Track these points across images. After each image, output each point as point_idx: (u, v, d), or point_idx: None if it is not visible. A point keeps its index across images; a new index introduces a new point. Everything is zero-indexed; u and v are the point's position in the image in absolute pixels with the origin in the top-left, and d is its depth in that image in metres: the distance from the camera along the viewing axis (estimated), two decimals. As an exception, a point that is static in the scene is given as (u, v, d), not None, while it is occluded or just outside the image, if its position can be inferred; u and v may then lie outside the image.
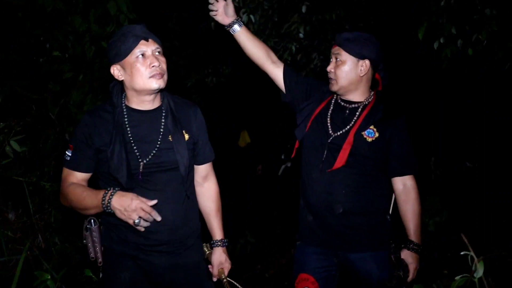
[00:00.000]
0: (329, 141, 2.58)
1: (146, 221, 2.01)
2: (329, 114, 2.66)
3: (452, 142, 6.57)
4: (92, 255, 2.28)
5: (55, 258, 2.63)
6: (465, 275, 1.45)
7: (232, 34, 2.73)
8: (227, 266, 2.48)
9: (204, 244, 2.54)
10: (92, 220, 2.28)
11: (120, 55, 2.17)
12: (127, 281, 2.25)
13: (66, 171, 2.28)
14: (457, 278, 1.46)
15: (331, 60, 2.63)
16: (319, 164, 2.58)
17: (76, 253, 3.54)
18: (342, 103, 2.67)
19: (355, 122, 2.58)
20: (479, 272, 1.44)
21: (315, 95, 2.75)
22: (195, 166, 2.47)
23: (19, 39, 4.36)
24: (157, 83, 2.18)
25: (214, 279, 2.50)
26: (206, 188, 2.53)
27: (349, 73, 2.58)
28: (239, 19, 2.69)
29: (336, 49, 2.60)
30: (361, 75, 2.60)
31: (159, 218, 2.03)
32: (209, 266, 2.51)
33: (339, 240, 2.59)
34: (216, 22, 4.82)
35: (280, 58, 5.44)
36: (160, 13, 7.62)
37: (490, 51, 4.16)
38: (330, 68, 2.61)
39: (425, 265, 4.35)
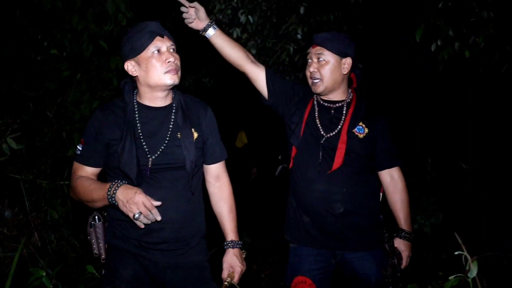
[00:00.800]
0: (322, 142, 2.59)
1: (146, 218, 1.98)
2: (316, 115, 2.66)
3: (447, 144, 6.59)
4: (95, 251, 2.29)
5: (51, 256, 2.62)
6: (459, 275, 1.46)
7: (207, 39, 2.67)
8: (237, 270, 2.41)
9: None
10: (96, 217, 2.29)
11: (135, 51, 2.18)
12: (128, 278, 2.24)
13: (76, 165, 2.29)
14: (451, 278, 1.47)
15: (310, 61, 2.63)
16: (316, 165, 2.58)
17: (72, 251, 3.53)
18: (326, 104, 2.68)
19: (344, 121, 2.60)
20: (473, 272, 1.44)
21: (298, 96, 2.73)
22: (206, 166, 2.46)
23: (17, 37, 4.36)
24: (172, 79, 2.19)
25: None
26: (218, 188, 2.50)
27: (333, 72, 2.59)
28: (212, 22, 2.64)
29: (317, 49, 2.59)
30: (345, 73, 2.63)
31: (159, 218, 2.01)
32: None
33: (338, 240, 2.59)
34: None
35: (278, 59, 5.48)
36: (158, 13, 7.62)
37: (487, 54, 4.17)
38: (313, 68, 2.59)
39: (421, 266, 4.37)
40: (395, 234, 2.67)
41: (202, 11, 2.61)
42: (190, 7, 2.61)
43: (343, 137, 2.54)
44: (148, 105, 2.28)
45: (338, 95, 2.67)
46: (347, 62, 2.62)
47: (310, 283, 2.58)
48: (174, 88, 2.32)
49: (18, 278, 2.04)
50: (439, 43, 4.12)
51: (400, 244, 2.65)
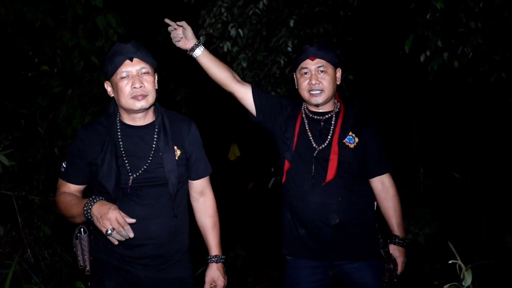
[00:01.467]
0: (314, 154, 2.59)
1: (119, 234, 1.98)
2: (307, 128, 2.67)
3: (440, 153, 6.62)
4: (81, 263, 2.29)
5: (44, 272, 2.61)
6: (454, 284, 1.46)
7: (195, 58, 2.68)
8: (219, 284, 2.43)
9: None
10: (82, 229, 2.29)
11: (108, 73, 2.22)
12: None
13: (60, 181, 2.32)
14: (445, 286, 1.47)
15: (308, 74, 2.63)
16: (310, 178, 2.59)
17: (65, 267, 3.51)
18: (315, 116, 2.70)
19: (333, 132, 2.62)
20: (467, 280, 1.45)
21: (287, 110, 2.75)
22: (191, 182, 2.46)
23: (7, 54, 4.36)
24: (139, 104, 2.19)
25: None
26: (202, 203, 2.51)
27: (333, 83, 2.63)
28: (199, 42, 2.66)
29: (318, 62, 2.61)
30: (338, 83, 2.68)
31: (131, 235, 2.00)
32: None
33: (335, 251, 2.59)
34: (206, 36, 4.85)
35: (268, 71, 5.51)
36: (148, 27, 7.65)
37: (475, 64, 4.21)
38: (315, 81, 2.60)
39: (415, 276, 4.37)
40: (389, 241, 2.69)
41: (189, 31, 2.62)
42: (177, 26, 2.63)
43: (335, 148, 2.56)
44: (129, 124, 2.29)
45: (327, 107, 2.69)
46: (339, 72, 2.69)
47: (307, 295, 2.58)
48: (156, 105, 2.33)
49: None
50: (428, 53, 4.16)
51: (394, 250, 2.66)
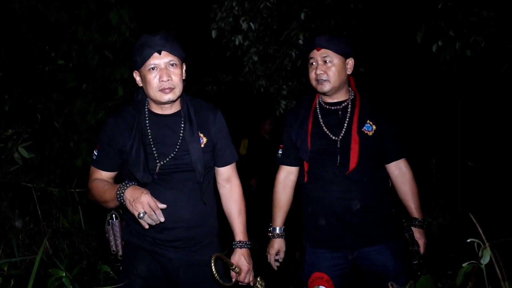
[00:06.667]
0: (337, 145, 2.62)
1: (150, 218, 2.03)
2: (321, 122, 2.70)
3: (453, 143, 6.59)
4: (113, 248, 2.37)
5: (64, 262, 2.66)
6: (472, 262, 1.46)
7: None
8: (244, 269, 2.45)
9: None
10: (114, 215, 2.37)
11: (137, 64, 2.27)
12: (143, 273, 2.30)
13: (92, 169, 2.40)
14: (464, 265, 1.47)
15: (315, 64, 2.66)
16: (334, 168, 2.62)
17: (83, 259, 3.56)
18: (330, 106, 2.72)
19: (351, 120, 2.65)
20: (486, 258, 1.45)
21: (299, 117, 2.76)
22: (217, 169, 2.50)
23: (23, 49, 4.41)
24: (166, 97, 2.24)
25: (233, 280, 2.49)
26: (228, 189, 2.54)
27: (340, 73, 2.64)
28: None
29: (323, 52, 2.63)
30: (349, 73, 2.70)
31: (162, 219, 2.05)
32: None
33: (355, 236, 2.62)
34: (217, 30, 4.86)
35: (280, 65, 5.53)
36: (161, 23, 7.69)
37: (488, 53, 4.21)
38: (319, 71, 2.62)
39: (429, 266, 4.37)
40: (408, 223, 2.73)
41: None
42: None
43: (355, 137, 2.59)
44: (157, 113, 2.35)
45: (341, 95, 2.72)
46: (350, 62, 2.70)
47: (327, 279, 2.60)
48: (183, 94, 2.37)
49: (34, 281, 2.07)
50: (440, 43, 4.16)
51: (415, 232, 2.72)
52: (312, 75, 2.68)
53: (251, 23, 5.24)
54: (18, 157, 3.22)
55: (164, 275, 2.35)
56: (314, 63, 2.67)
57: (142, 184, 2.20)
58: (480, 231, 1.35)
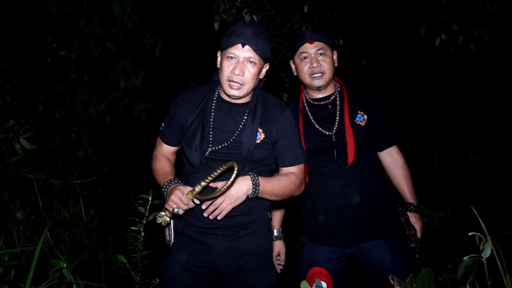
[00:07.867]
0: (332, 139, 2.61)
1: (182, 210, 2.14)
2: (312, 119, 2.69)
3: (454, 138, 6.58)
4: (167, 238, 2.42)
5: (65, 253, 2.66)
6: (473, 255, 1.45)
7: None
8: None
9: None
10: None
11: (221, 46, 2.26)
12: (183, 260, 2.33)
13: (158, 139, 2.50)
14: (465, 258, 1.47)
15: (308, 58, 2.64)
16: (332, 163, 2.60)
17: (83, 250, 3.57)
18: (319, 102, 2.71)
19: (342, 112, 2.64)
20: (487, 252, 1.44)
21: None
22: (280, 168, 2.43)
23: (25, 41, 4.40)
24: (232, 92, 2.22)
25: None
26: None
27: (332, 64, 2.66)
28: None
29: (317, 45, 2.63)
30: (336, 65, 2.71)
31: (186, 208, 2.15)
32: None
33: (354, 231, 2.60)
34: (220, 22, 4.83)
35: (283, 57, 5.51)
36: (163, 16, 7.65)
37: (492, 47, 4.19)
38: (316, 64, 2.61)
39: (430, 259, 4.37)
40: (404, 209, 2.74)
41: None
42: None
43: (349, 129, 2.59)
44: (225, 99, 2.34)
45: (329, 89, 2.72)
46: (335, 54, 2.72)
47: (326, 273, 2.59)
48: (257, 88, 2.34)
49: (35, 272, 2.07)
50: (443, 37, 4.14)
51: (411, 217, 2.73)
52: (306, 69, 2.65)
53: (253, 16, 5.21)
54: (20, 148, 3.21)
55: (205, 262, 2.33)
56: (307, 57, 2.65)
57: (191, 166, 2.26)
58: (482, 224, 1.34)
